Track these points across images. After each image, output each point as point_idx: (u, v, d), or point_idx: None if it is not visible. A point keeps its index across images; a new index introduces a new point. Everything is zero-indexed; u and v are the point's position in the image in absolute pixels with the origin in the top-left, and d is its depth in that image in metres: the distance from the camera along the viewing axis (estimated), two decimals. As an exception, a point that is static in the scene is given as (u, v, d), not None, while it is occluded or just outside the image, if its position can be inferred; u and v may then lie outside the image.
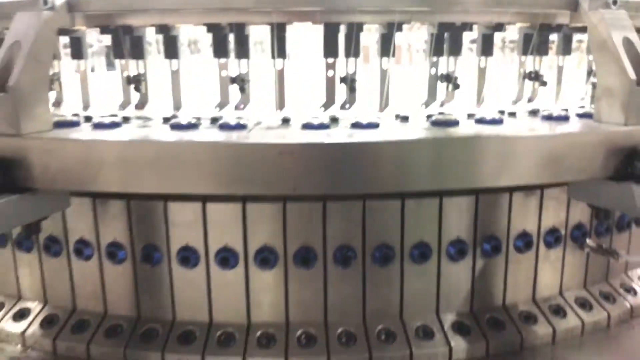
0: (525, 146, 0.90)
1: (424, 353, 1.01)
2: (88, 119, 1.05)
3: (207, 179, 0.86)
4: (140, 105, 1.10)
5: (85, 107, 1.14)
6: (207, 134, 0.91)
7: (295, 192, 0.85)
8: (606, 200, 0.95)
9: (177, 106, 1.10)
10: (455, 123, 0.96)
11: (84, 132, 0.94)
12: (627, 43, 0.96)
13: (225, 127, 0.95)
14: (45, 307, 1.14)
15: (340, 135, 0.90)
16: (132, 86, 1.08)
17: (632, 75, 0.94)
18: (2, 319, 1.13)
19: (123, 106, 1.11)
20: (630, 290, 1.22)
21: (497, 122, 0.98)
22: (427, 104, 1.12)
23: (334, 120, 1.00)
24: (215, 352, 1.00)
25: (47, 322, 1.10)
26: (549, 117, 1.04)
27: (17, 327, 1.10)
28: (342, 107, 1.09)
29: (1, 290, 1.18)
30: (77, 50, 1.10)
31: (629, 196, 0.90)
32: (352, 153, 0.85)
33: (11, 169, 0.88)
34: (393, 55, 1.04)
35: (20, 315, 1.13)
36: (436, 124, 0.97)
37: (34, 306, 1.14)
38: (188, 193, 0.89)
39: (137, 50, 1.06)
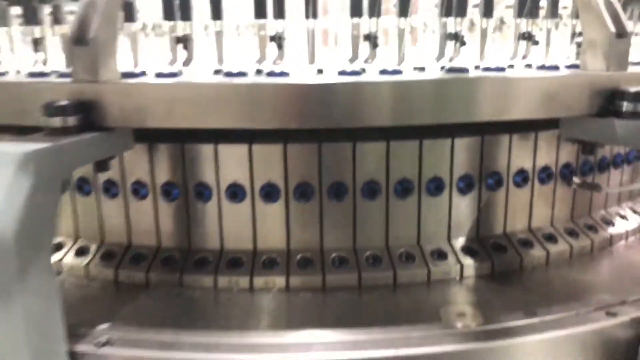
0: (525, 85, 1.07)
1: (439, 270, 1.18)
2: (143, 73, 1.18)
3: (263, 114, 1.01)
4: (187, 62, 1.25)
5: (135, 65, 1.28)
6: (259, 79, 1.07)
7: (339, 125, 1.01)
8: (592, 133, 1.13)
9: (221, 62, 1.24)
10: (465, 70, 1.13)
11: (150, 79, 1.08)
12: (607, 2, 1.15)
13: (271, 74, 1.10)
14: (102, 244, 1.27)
15: (373, 77, 1.06)
16: (179, 45, 1.22)
17: (612, 28, 1.12)
18: (64, 256, 1.26)
19: (172, 63, 1.25)
20: (610, 222, 1.41)
21: (501, 69, 1.16)
22: (437, 59, 1.29)
23: (363, 70, 1.16)
24: (261, 274, 1.16)
25: (107, 256, 1.24)
26: (542, 67, 1.22)
27: (80, 261, 1.24)
28: (365, 61, 1.25)
29: (60, 232, 1.31)
30: (130, 14, 1.24)
31: (611, 129, 1.08)
32: (387, 90, 1.00)
33: (90, 110, 1.02)
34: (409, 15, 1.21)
35: (81, 251, 1.26)
36: (450, 71, 1.14)
37: (92, 244, 1.27)
38: (247, 127, 1.03)
39: (186, 12, 1.20)
